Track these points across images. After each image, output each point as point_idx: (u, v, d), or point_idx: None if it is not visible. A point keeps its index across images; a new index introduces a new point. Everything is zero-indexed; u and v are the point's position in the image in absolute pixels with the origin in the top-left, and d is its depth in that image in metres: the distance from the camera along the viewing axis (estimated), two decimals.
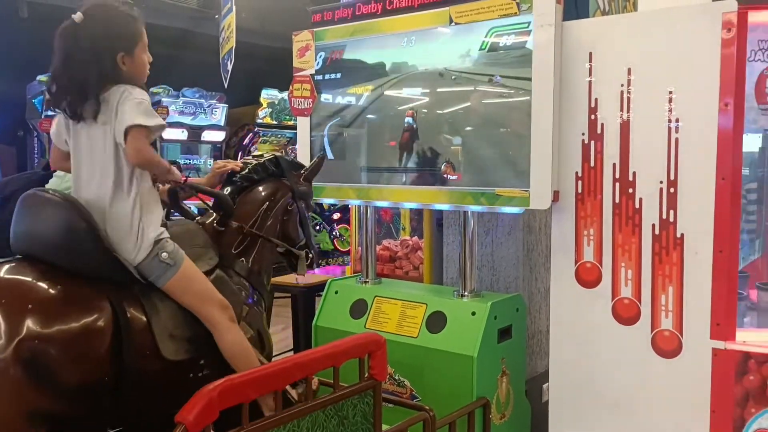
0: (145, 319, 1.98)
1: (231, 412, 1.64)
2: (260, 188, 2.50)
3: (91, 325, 1.84)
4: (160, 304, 2.03)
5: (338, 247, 8.49)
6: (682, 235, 2.35)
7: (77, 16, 1.95)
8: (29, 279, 1.84)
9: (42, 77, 6.83)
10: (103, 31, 1.96)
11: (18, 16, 6.71)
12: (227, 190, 2.47)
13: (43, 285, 1.84)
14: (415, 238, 4.01)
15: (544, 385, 2.96)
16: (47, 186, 2.77)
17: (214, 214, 2.41)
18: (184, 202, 2.47)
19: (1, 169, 6.72)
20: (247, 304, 2.29)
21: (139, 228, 2.01)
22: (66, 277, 1.89)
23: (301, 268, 2.59)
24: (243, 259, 2.37)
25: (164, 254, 2.02)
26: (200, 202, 2.56)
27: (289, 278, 3.96)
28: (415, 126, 2.95)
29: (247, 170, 2.49)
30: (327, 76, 3.27)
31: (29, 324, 1.73)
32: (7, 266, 1.88)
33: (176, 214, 2.45)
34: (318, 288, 3.80)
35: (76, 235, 1.92)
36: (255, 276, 2.40)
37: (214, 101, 8.32)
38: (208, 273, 2.19)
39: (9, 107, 7.08)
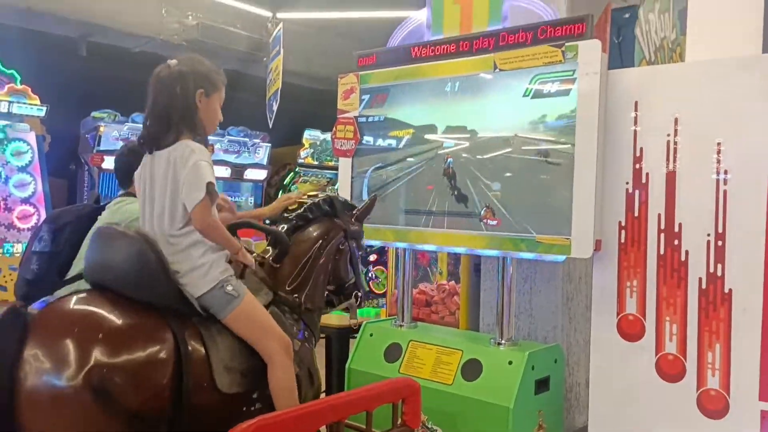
0: (203, 350, 2.02)
1: None
2: (314, 227, 2.54)
3: (155, 355, 1.90)
4: (218, 337, 2.07)
5: (374, 289, 8.44)
6: (730, 290, 2.28)
7: (172, 62, 2.14)
8: (100, 310, 1.92)
9: (96, 113, 7.09)
10: (190, 71, 2.12)
11: (77, 54, 7.04)
12: (282, 227, 2.51)
13: (113, 316, 1.91)
14: (452, 282, 3.97)
15: None
16: (100, 219, 2.86)
17: (271, 249, 2.44)
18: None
19: (52, 201, 6.95)
20: (299, 341, 2.31)
21: (207, 263, 2.07)
22: (133, 307, 1.96)
23: (353, 315, 2.61)
24: (297, 295, 2.39)
25: (229, 287, 2.07)
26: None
27: (325, 319, 3.94)
28: (454, 170, 2.96)
29: (302, 209, 2.53)
30: (370, 119, 3.32)
31: (99, 353, 1.80)
32: (80, 296, 1.98)
33: None
34: (353, 330, 3.77)
35: (146, 267, 2.00)
36: (307, 313, 2.41)
37: (258, 140, 8.49)
38: (264, 307, 2.22)
39: (63, 141, 7.35)
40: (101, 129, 7.01)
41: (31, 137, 6.90)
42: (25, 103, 6.80)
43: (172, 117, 2.09)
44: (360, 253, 2.75)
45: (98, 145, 6.90)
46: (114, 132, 7.06)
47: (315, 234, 2.52)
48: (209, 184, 2.02)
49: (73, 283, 2.65)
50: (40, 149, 6.88)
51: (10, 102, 6.69)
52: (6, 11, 6.31)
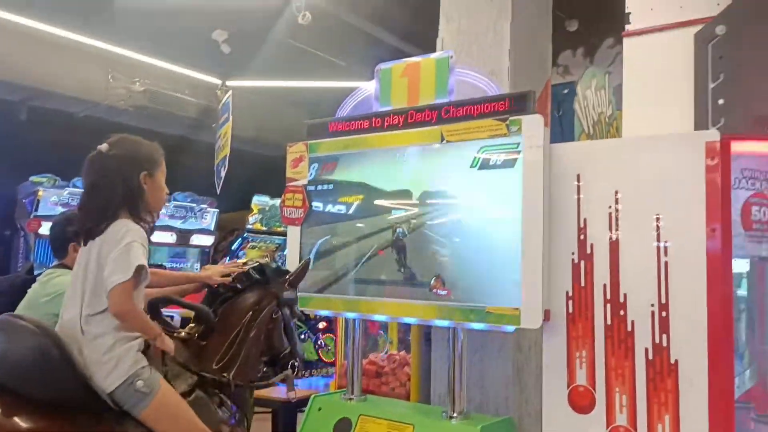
0: None
1: None
2: (244, 297, 2.43)
3: None
4: None
5: (323, 357, 8.24)
6: (677, 361, 2.30)
7: (103, 147, 2.06)
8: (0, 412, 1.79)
9: (35, 177, 6.89)
10: (128, 154, 2.08)
11: (18, 118, 6.88)
12: (209, 300, 2.41)
13: (12, 421, 1.78)
14: (403, 352, 3.90)
15: None
16: (28, 292, 2.71)
17: (195, 326, 2.33)
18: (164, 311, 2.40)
19: None
20: (229, 425, 2.17)
21: (115, 357, 1.94)
22: (36, 409, 1.83)
23: (290, 387, 2.49)
24: (225, 374, 2.26)
25: (139, 382, 1.94)
26: (183, 310, 2.50)
27: (269, 391, 3.80)
28: (404, 239, 2.95)
29: (231, 279, 2.44)
30: (319, 187, 3.31)
31: None
32: None
33: None
34: (300, 403, 3.63)
35: (49, 363, 1.87)
36: (238, 393, 2.29)
37: (205, 206, 8.39)
38: (187, 393, 2.09)
39: None
40: (40, 193, 6.79)
41: None
42: None
43: (111, 206, 2.01)
44: (294, 319, 2.64)
45: (36, 210, 6.67)
46: (53, 197, 6.84)
47: (245, 304, 2.41)
48: (139, 267, 1.92)
49: None
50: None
51: None
52: None
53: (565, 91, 4.79)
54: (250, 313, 2.40)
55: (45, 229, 6.45)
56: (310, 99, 7.80)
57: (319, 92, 7.38)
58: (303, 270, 2.67)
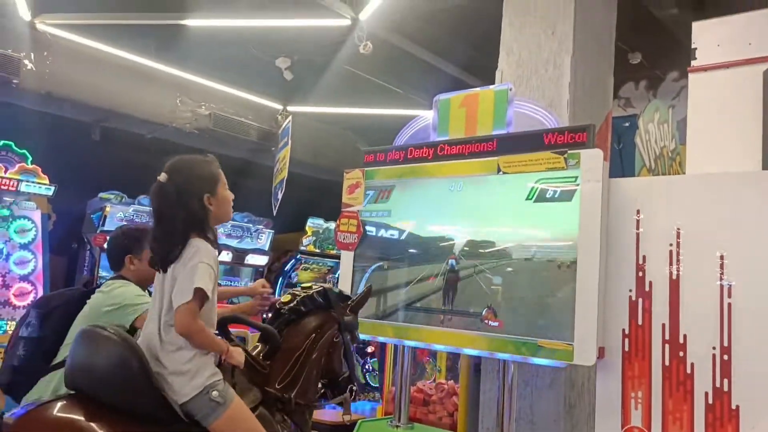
0: None
1: None
2: (307, 320, 2.48)
3: None
4: None
5: (369, 381, 8.24)
6: (738, 407, 2.21)
7: (162, 177, 2.13)
8: (80, 419, 1.87)
9: (103, 194, 7.19)
10: (186, 180, 2.12)
11: (90, 138, 7.22)
12: (274, 322, 2.47)
13: (94, 425, 1.87)
14: (451, 382, 3.87)
15: None
16: (89, 301, 2.83)
17: (261, 345, 2.39)
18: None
19: (51, 278, 6.93)
20: None
21: (193, 368, 2.02)
22: (113, 417, 1.91)
23: (347, 411, 2.52)
24: (287, 393, 2.31)
25: (215, 392, 2.01)
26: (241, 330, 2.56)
27: (318, 414, 3.82)
28: (457, 269, 2.95)
29: (294, 302, 2.50)
30: (374, 214, 3.35)
31: None
32: (60, 404, 1.93)
33: None
34: (348, 427, 3.65)
35: (128, 373, 1.96)
36: (298, 413, 2.33)
37: (261, 226, 8.56)
38: (252, 410, 2.14)
39: (68, 220, 7.40)
40: (107, 209, 7.07)
41: (37, 215, 6.96)
42: (33, 182, 6.91)
43: (177, 233, 2.08)
44: (354, 345, 2.69)
45: (103, 225, 6.94)
46: (119, 213, 7.12)
47: (308, 327, 2.46)
48: (197, 290, 1.98)
49: (58, 369, 2.59)
50: (44, 227, 6.92)
51: (19, 180, 6.81)
52: (26, 95, 6.53)
53: (627, 123, 4.72)
54: (313, 335, 2.45)
55: None
56: (368, 126, 7.92)
57: (377, 119, 7.48)
58: (365, 296, 2.71)
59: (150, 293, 2.78)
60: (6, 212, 6.80)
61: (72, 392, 2.03)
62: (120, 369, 1.96)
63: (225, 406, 2.01)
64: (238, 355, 2.16)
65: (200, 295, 2.00)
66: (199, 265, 2.01)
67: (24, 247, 6.89)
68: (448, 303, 2.95)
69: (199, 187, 2.13)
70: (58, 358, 2.65)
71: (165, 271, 2.11)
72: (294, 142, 6.70)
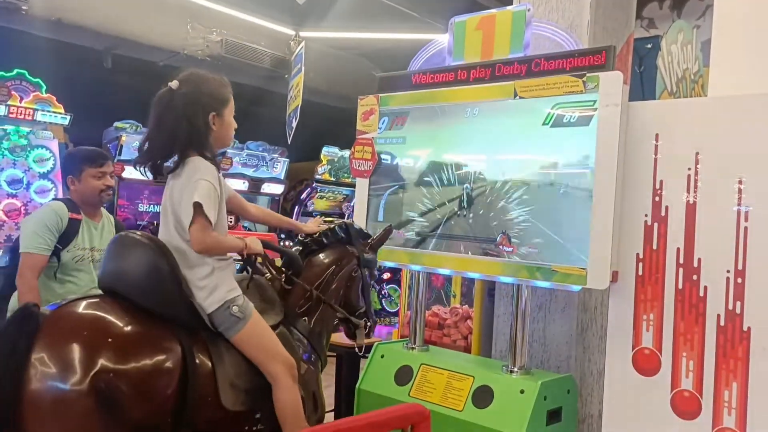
0: (210, 365, 2.02)
1: None
2: (328, 252, 2.55)
3: (162, 365, 1.90)
4: (225, 353, 2.07)
5: (386, 307, 8.44)
6: (749, 328, 2.24)
7: (173, 84, 2.11)
8: (109, 315, 1.93)
9: (118, 123, 7.20)
10: (196, 93, 2.11)
11: (102, 66, 7.16)
12: (297, 249, 2.52)
13: (122, 322, 1.92)
14: (466, 306, 3.95)
15: None
16: None
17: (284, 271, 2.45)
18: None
19: None
20: (305, 362, 2.31)
21: (212, 283, 2.08)
22: (144, 316, 1.97)
23: (360, 338, 2.61)
24: (306, 318, 2.39)
25: (234, 307, 2.08)
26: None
27: (336, 338, 3.93)
28: (472, 195, 2.95)
29: (317, 234, 2.54)
30: (389, 140, 3.33)
31: (105, 358, 1.80)
32: (91, 301, 1.98)
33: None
34: (364, 349, 3.76)
35: (159, 277, 2.01)
36: (315, 337, 2.42)
37: (276, 155, 8.57)
38: (272, 328, 2.22)
39: None
40: (122, 139, 7.11)
41: (54, 145, 7.02)
42: (49, 111, 6.92)
43: (176, 144, 2.09)
44: (372, 281, 2.75)
45: (119, 154, 6.99)
46: (135, 142, 7.13)
47: (328, 259, 2.53)
48: (195, 204, 1.99)
49: None
50: (62, 156, 6.99)
51: (35, 110, 6.82)
52: (36, 22, 6.45)
53: (649, 45, 4.57)
54: (333, 267, 2.52)
55: (127, 172, 6.80)
56: (383, 52, 7.75)
57: (392, 45, 7.31)
58: (385, 236, 2.75)
59: (88, 216, 2.92)
60: (24, 142, 6.85)
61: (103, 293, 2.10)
62: (151, 272, 2.02)
63: (245, 320, 2.09)
64: (255, 244, 2.23)
65: (197, 209, 2.01)
66: (199, 182, 2.03)
67: (43, 176, 6.98)
68: (462, 229, 2.97)
69: (208, 103, 2.12)
70: None
71: (155, 178, 2.15)
72: (307, 69, 6.60)
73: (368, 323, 2.66)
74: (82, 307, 1.95)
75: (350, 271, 2.58)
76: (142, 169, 2.15)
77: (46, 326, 1.83)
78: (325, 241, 2.54)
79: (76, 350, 1.79)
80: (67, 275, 2.80)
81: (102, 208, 3.05)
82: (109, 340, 1.85)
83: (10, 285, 2.82)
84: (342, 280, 2.54)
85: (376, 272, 2.80)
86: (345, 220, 2.74)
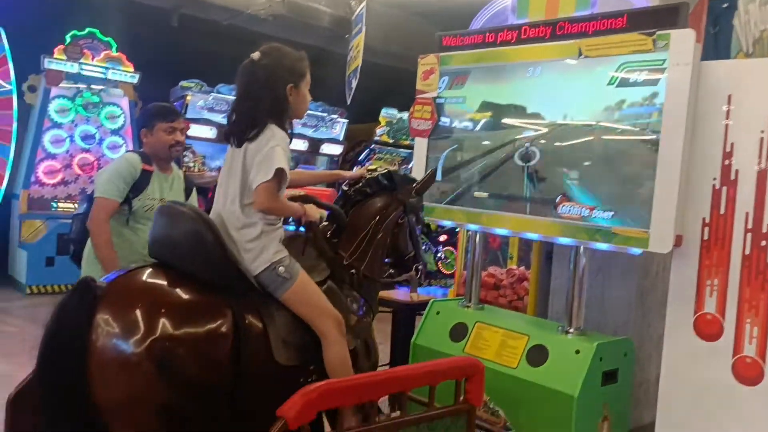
0: (261, 326, 2.11)
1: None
2: (372, 201, 2.57)
3: (215, 330, 2.00)
4: (275, 313, 2.16)
5: (442, 269, 8.50)
6: None
7: (255, 55, 2.21)
8: (165, 284, 2.04)
9: (184, 83, 7.38)
10: (276, 65, 2.20)
11: (169, 25, 7.33)
12: (341, 202, 2.57)
13: (176, 291, 2.03)
14: (522, 268, 3.95)
15: None
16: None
17: (329, 225, 2.51)
18: None
19: None
20: (356, 315, 2.37)
21: (260, 245, 2.16)
22: (195, 284, 2.07)
23: (413, 288, 2.66)
24: (353, 270, 2.45)
25: (281, 268, 2.16)
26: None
27: (391, 293, 4.02)
28: (532, 155, 2.93)
29: (360, 184, 2.58)
30: (449, 100, 3.32)
31: (163, 325, 1.91)
32: (147, 271, 2.10)
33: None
34: (420, 306, 3.83)
35: (203, 246, 2.10)
36: (365, 288, 2.47)
37: (336, 116, 8.63)
38: (320, 284, 2.29)
39: None
40: (188, 98, 7.30)
41: (124, 102, 7.28)
42: (119, 70, 7.17)
43: (259, 113, 2.17)
44: (420, 227, 2.77)
45: (185, 113, 7.19)
46: (200, 101, 7.34)
47: (373, 208, 2.55)
48: (278, 170, 2.09)
49: None
50: (132, 114, 7.24)
51: (106, 68, 7.07)
52: None
53: (725, 5, 4.34)
54: (378, 216, 2.55)
55: (192, 131, 6.98)
56: (443, 11, 7.61)
57: (452, 4, 7.18)
58: (429, 179, 2.75)
59: (159, 169, 3.03)
60: (96, 99, 7.13)
61: (155, 262, 2.21)
62: (195, 242, 2.10)
63: (292, 280, 2.17)
64: (314, 211, 2.32)
65: (280, 175, 2.11)
66: (276, 149, 2.12)
67: (115, 132, 7.27)
68: (521, 189, 2.96)
69: (286, 76, 2.20)
70: None
71: (239, 146, 2.20)
72: (368, 29, 6.57)
73: (419, 267, 2.70)
74: (137, 277, 2.06)
75: (396, 218, 2.60)
76: (232, 139, 2.23)
77: (105, 297, 1.94)
78: (368, 190, 2.56)
79: (135, 318, 1.89)
80: (137, 223, 2.93)
81: (173, 164, 3.17)
82: (165, 308, 1.95)
83: (84, 230, 2.98)
84: (388, 228, 2.57)
85: (422, 217, 2.81)
86: (389, 167, 2.74)
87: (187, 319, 1.97)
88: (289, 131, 2.26)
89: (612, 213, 2.62)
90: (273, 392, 2.08)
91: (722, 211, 2.41)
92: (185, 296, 2.02)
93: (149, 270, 2.10)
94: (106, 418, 1.87)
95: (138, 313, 1.90)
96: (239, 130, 2.20)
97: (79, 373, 1.85)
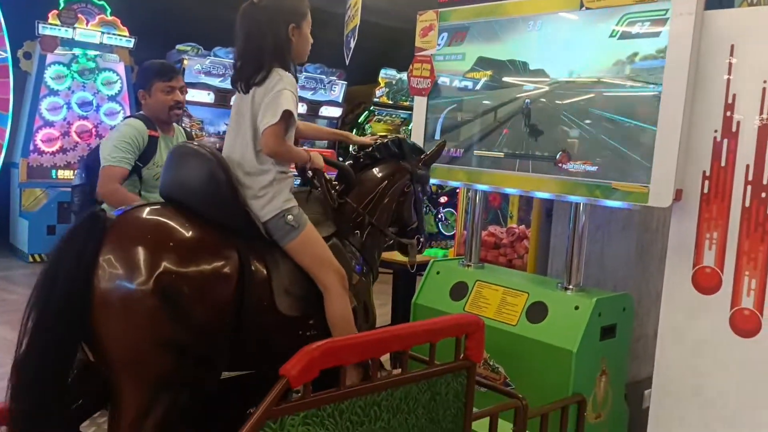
0: (266, 272, 2.11)
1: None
2: (381, 167, 2.57)
3: (220, 270, 1.99)
4: (280, 261, 2.15)
5: (442, 230, 8.52)
6: None
7: None
8: (171, 221, 2.00)
9: (180, 46, 7.29)
10: (277, 7, 2.17)
11: None
12: (350, 163, 2.56)
13: (183, 228, 2.00)
14: (522, 227, 3.95)
15: (646, 392, 2.84)
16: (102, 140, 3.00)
17: (337, 184, 2.50)
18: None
19: None
20: (357, 274, 2.38)
21: (271, 192, 2.15)
22: (203, 223, 2.04)
23: (412, 255, 2.66)
24: (358, 232, 2.46)
25: (290, 216, 2.15)
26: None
27: (392, 254, 4.02)
28: (533, 111, 2.89)
29: (370, 148, 2.56)
30: (448, 57, 3.27)
31: (168, 261, 1.88)
32: (154, 207, 2.07)
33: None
34: (420, 267, 3.84)
35: (216, 187, 2.08)
36: (367, 249, 2.48)
37: (334, 78, 8.54)
38: (325, 240, 2.29)
39: None
40: (185, 62, 7.22)
41: (120, 68, 7.20)
42: (114, 34, 7.07)
43: (264, 56, 2.13)
44: (424, 197, 2.76)
45: (183, 77, 7.11)
46: (197, 65, 7.26)
47: (381, 174, 2.55)
48: (285, 112, 2.06)
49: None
50: (128, 80, 7.17)
51: (101, 33, 6.97)
52: None
53: None
54: (385, 182, 2.55)
55: (190, 95, 6.90)
56: None
57: None
58: (438, 151, 2.74)
59: (162, 132, 2.97)
60: (92, 64, 7.05)
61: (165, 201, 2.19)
62: (208, 183, 2.09)
63: (299, 230, 2.16)
64: (317, 159, 2.32)
65: (287, 118, 2.09)
66: (284, 92, 2.09)
67: (112, 98, 7.21)
68: (521, 146, 2.93)
69: (287, 16, 2.17)
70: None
71: (246, 92, 2.17)
72: None
73: (420, 239, 2.70)
74: (146, 213, 2.03)
75: (402, 186, 2.60)
76: (239, 85, 2.20)
77: (113, 230, 1.91)
78: (378, 156, 2.56)
79: (141, 252, 1.87)
80: (150, 192, 2.87)
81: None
82: (171, 244, 1.93)
83: (87, 201, 2.93)
84: (394, 195, 2.57)
85: (428, 189, 2.81)
86: (398, 135, 2.72)
87: (193, 257, 1.95)
88: (295, 73, 2.23)
89: (612, 168, 2.59)
90: (274, 341, 2.11)
91: (723, 164, 2.39)
92: (192, 234, 2.00)
93: (157, 206, 2.08)
94: (113, 366, 1.85)
95: (143, 247, 1.88)
96: (246, 75, 2.17)
97: (83, 308, 1.82)
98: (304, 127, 2.62)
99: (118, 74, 7.20)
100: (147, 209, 2.05)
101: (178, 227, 1.99)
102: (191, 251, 1.96)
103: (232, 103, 2.30)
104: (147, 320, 1.84)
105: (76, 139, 7.05)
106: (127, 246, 1.89)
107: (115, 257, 1.87)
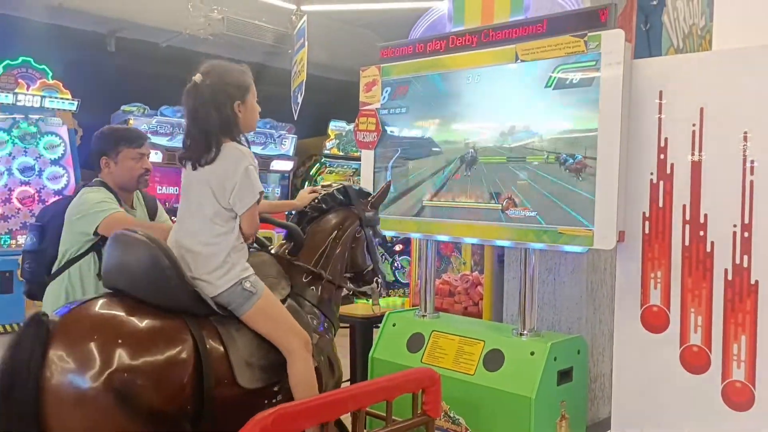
0: (222, 348, 2.06)
1: None
2: (329, 217, 2.56)
3: (175, 357, 1.94)
4: (236, 334, 2.10)
5: (399, 278, 8.50)
6: (757, 281, 2.24)
7: (197, 77, 2.14)
8: (120, 314, 1.96)
9: (126, 107, 7.22)
10: (220, 84, 2.14)
11: (106, 50, 7.18)
12: (297, 219, 2.54)
13: (132, 320, 1.96)
14: (476, 273, 3.97)
15: None
16: (68, 209, 2.73)
17: (286, 244, 2.48)
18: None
19: None
20: (318, 332, 2.34)
21: (230, 261, 2.12)
22: (151, 311, 2.00)
23: (375, 299, 2.64)
24: (313, 287, 2.42)
25: (247, 283, 2.12)
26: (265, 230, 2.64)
27: (349, 308, 3.98)
28: (477, 161, 2.95)
29: (316, 200, 2.56)
30: (392, 111, 3.33)
31: (120, 356, 1.84)
32: (101, 301, 2.02)
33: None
34: (376, 319, 3.80)
35: (161, 273, 2.04)
36: (325, 303, 2.45)
37: (284, 132, 8.56)
38: (282, 302, 2.25)
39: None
40: (131, 122, 7.13)
41: (63, 131, 7.07)
42: (56, 98, 6.96)
43: (211, 136, 2.12)
44: (377, 240, 2.76)
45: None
46: (143, 125, 7.17)
47: (330, 224, 2.55)
48: (261, 193, 2.11)
49: (57, 277, 2.62)
50: (72, 142, 7.04)
51: (42, 96, 6.86)
52: (38, 8, 6.46)
53: (654, 2, 4.48)
54: (335, 231, 2.54)
55: None
56: (385, 22, 7.67)
57: (394, 15, 7.24)
58: (384, 192, 2.76)
59: (118, 199, 2.67)
60: (33, 129, 6.91)
61: (110, 291, 2.13)
62: (152, 269, 2.04)
63: (257, 296, 2.12)
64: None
65: (260, 199, 2.12)
66: (249, 169, 2.09)
67: (55, 162, 7.05)
68: (467, 195, 2.98)
69: (232, 92, 2.15)
70: (55, 267, 2.65)
71: (195, 169, 2.14)
72: (311, 43, 6.55)
73: (379, 281, 2.68)
74: (92, 308, 1.98)
75: (353, 232, 2.59)
76: (188, 164, 2.17)
77: (59, 331, 1.87)
78: (324, 206, 2.55)
79: (91, 351, 1.83)
80: None
81: None
82: (121, 339, 1.88)
83: (42, 266, 2.75)
84: (346, 243, 2.56)
85: (380, 230, 2.80)
86: (343, 182, 2.73)
87: (146, 348, 1.90)
88: (247, 143, 2.22)
89: (557, 213, 2.65)
90: (239, 416, 2.02)
91: (661, 205, 2.47)
92: (142, 324, 1.96)
93: (103, 300, 2.03)
94: None
95: (93, 345, 1.83)
96: (196, 155, 2.15)
97: (35, 414, 1.78)
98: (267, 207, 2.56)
99: (61, 138, 7.06)
100: (92, 304, 2.01)
101: (126, 319, 1.95)
102: (142, 342, 1.92)
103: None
104: (101, 419, 1.80)
105: (18, 205, 6.84)
106: (75, 346, 1.85)
107: (66, 356, 1.83)
